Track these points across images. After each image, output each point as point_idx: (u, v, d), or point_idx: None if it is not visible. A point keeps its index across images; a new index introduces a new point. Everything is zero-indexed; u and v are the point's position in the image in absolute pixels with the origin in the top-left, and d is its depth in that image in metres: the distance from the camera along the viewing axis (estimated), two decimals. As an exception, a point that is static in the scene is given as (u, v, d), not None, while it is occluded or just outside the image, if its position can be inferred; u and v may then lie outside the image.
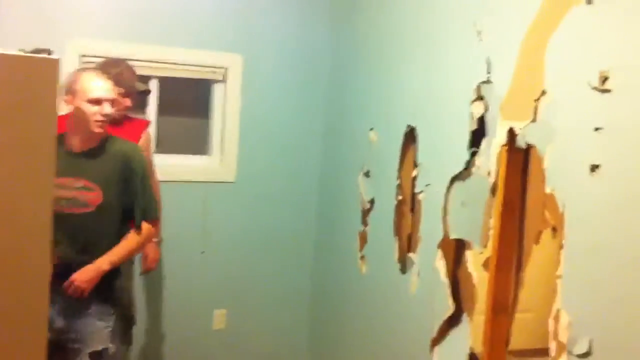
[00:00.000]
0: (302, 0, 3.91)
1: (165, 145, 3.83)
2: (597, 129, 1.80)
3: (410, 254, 2.85)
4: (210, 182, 3.87)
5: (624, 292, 1.70)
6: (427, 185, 2.72)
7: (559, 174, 1.95)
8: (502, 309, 2.25)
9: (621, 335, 1.70)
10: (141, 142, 3.27)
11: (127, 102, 3.17)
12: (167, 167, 3.66)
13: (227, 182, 3.88)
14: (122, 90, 3.10)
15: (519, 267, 2.26)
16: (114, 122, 3.14)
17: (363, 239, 3.34)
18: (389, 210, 3.04)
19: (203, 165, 3.92)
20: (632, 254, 1.67)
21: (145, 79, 3.58)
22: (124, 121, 3.22)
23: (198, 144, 4.00)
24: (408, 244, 2.92)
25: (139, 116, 3.49)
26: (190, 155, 3.95)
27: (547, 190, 1.99)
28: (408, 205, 2.94)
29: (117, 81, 3.09)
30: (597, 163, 1.80)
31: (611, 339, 1.74)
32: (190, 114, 4.12)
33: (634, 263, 1.67)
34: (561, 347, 1.89)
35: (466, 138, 2.43)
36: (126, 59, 3.28)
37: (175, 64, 3.69)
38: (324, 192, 3.98)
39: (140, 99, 3.41)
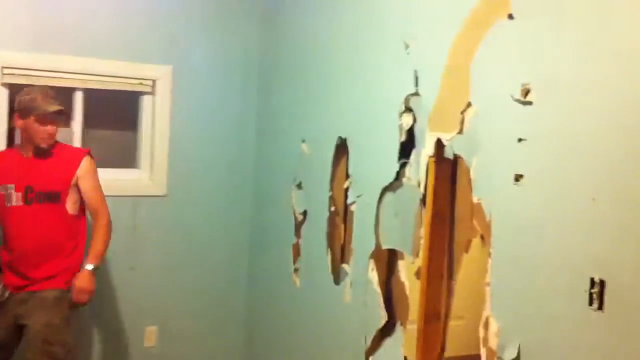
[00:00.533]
0: (232, 11, 3.89)
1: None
2: (520, 140, 1.85)
3: (344, 265, 2.86)
4: (140, 196, 3.78)
5: (547, 298, 1.75)
6: (358, 197, 2.74)
7: (485, 184, 1.99)
8: (434, 317, 2.28)
9: (548, 339, 1.75)
10: (81, 171, 3.08)
11: (50, 129, 2.99)
12: (95, 181, 3.55)
13: (157, 195, 3.81)
14: (37, 116, 2.95)
15: (450, 276, 2.29)
16: (43, 154, 3.00)
17: (296, 251, 3.33)
18: (322, 222, 3.04)
19: (132, 179, 3.83)
20: (554, 261, 1.73)
21: (70, 91, 3.46)
22: (53, 152, 3.05)
23: (127, 157, 3.90)
24: (341, 255, 2.93)
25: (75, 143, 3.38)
26: (119, 169, 3.85)
27: (475, 199, 2.03)
28: (341, 217, 2.95)
29: (31, 107, 2.95)
30: (520, 173, 1.85)
31: (538, 344, 1.78)
32: (118, 126, 4.02)
33: (556, 269, 1.72)
34: (491, 354, 1.93)
35: (396, 149, 2.46)
36: (44, 83, 3.18)
37: (101, 75, 3.60)
38: (257, 205, 3.95)
39: (59, 119, 3.19)
